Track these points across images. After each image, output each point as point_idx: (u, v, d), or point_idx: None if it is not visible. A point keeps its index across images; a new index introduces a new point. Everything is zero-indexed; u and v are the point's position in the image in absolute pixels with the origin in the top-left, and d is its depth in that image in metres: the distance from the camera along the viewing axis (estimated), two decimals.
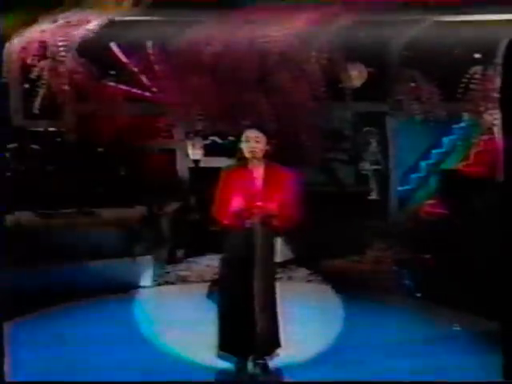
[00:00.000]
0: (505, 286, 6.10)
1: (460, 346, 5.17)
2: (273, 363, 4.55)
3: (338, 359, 4.80)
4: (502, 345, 2.94)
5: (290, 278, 7.37)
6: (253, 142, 4.50)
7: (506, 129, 3.40)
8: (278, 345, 4.61)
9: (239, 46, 8.13)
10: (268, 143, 4.56)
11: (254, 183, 4.51)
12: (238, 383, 4.37)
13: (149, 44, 8.71)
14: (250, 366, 4.43)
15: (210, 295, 5.21)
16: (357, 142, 10.47)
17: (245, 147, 4.52)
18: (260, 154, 4.52)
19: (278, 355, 4.60)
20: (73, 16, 8.37)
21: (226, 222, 4.50)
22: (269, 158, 4.60)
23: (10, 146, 8.97)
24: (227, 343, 4.57)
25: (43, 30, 8.35)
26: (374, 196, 10.38)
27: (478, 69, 9.03)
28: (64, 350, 5.09)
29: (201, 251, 7.84)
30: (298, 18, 8.13)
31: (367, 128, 10.42)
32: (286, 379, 4.37)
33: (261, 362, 4.47)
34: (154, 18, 8.30)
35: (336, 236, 8.25)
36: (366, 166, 10.46)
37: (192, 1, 7.60)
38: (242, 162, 4.58)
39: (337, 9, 8.10)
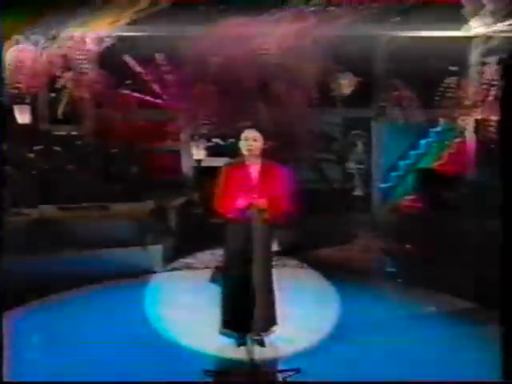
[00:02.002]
0: (478, 270, 6.12)
1: (436, 323, 5.22)
2: (269, 339, 4.54)
3: (328, 335, 4.81)
4: (501, 345, 2.78)
5: (285, 265, 7.28)
6: (251, 141, 4.45)
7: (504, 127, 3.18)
8: (274, 323, 4.61)
9: (239, 57, 8.08)
10: (265, 143, 4.50)
11: (251, 178, 4.45)
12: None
13: (159, 56, 8.64)
14: (249, 341, 4.36)
15: (213, 280, 5.15)
16: (344, 143, 10.44)
17: (243, 145, 4.47)
18: (257, 152, 4.48)
19: (274, 332, 4.60)
20: (89, 33, 8.37)
21: (226, 213, 4.44)
22: (265, 156, 4.54)
23: (37, 147, 8.93)
24: (229, 322, 4.55)
25: (62, 45, 8.33)
26: (359, 192, 10.35)
27: (452, 79, 8.97)
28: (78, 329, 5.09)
29: (204, 241, 7.74)
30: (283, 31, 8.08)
31: (354, 131, 10.39)
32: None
33: (258, 338, 4.46)
34: (163, 33, 8.24)
35: (326, 227, 8.28)
36: (352, 165, 10.44)
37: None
38: (241, 159, 4.51)
39: (313, 22, 8.05)
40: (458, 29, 8.59)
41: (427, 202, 8.90)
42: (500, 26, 8.33)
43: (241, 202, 4.31)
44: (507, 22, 8.11)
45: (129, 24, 8.18)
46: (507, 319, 2.86)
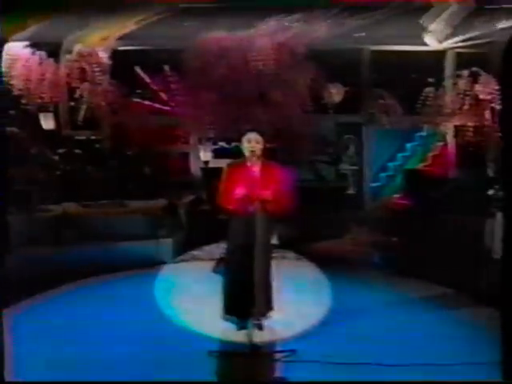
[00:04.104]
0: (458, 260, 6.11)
1: (419, 308, 5.26)
2: (267, 323, 4.52)
3: (321, 320, 4.80)
4: (501, 345, 2.72)
5: (284, 257, 7.22)
6: (253, 143, 4.43)
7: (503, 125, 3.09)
8: (271, 308, 4.60)
9: (240, 68, 8.07)
10: (265, 145, 4.47)
11: (253, 176, 4.42)
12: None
13: (166, 67, 8.63)
14: (249, 325, 4.33)
15: (215, 270, 5.13)
16: (338, 146, 10.41)
17: (246, 147, 4.45)
18: (259, 153, 4.46)
19: (270, 317, 4.58)
20: (102, 47, 8.38)
21: (228, 206, 4.42)
22: (265, 157, 4.51)
23: (60, 151, 8.94)
24: (231, 308, 4.55)
25: (78, 59, 8.34)
26: (351, 191, 10.32)
27: (430, 89, 8.95)
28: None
29: (211, 235, 7.73)
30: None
31: (347, 136, 10.37)
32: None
33: (257, 322, 4.42)
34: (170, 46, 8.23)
35: (321, 223, 8.22)
36: (345, 166, 10.41)
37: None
38: (242, 159, 4.49)
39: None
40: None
41: (414, 199, 8.85)
42: (457, 41, 8.45)
43: (240, 192, 4.29)
44: (462, 37, 8.20)
45: (121, 38, 8.23)
46: (507, 320, 2.75)
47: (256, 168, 4.46)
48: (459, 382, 3.50)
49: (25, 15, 6.27)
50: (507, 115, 2.92)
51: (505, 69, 2.74)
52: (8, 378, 2.95)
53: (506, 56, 2.72)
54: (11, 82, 7.99)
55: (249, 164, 4.46)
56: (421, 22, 7.46)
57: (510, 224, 2.72)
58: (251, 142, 4.41)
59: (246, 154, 4.45)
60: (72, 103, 8.77)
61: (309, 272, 6.58)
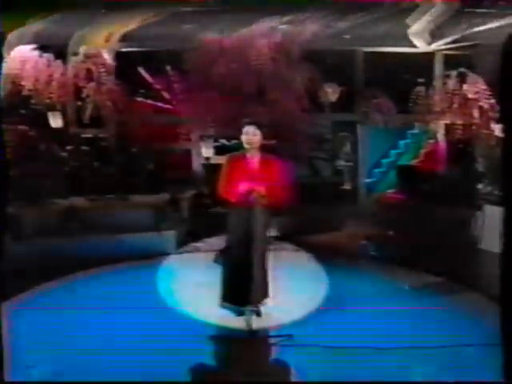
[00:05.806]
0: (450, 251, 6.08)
1: (412, 297, 5.23)
2: (265, 310, 4.51)
3: (318, 308, 4.81)
4: (502, 345, 2.70)
5: (283, 248, 7.20)
6: (251, 136, 4.42)
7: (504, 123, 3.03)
8: (267, 295, 4.59)
9: (239, 67, 8.03)
10: (263, 139, 4.45)
11: (251, 168, 4.43)
12: None
13: (168, 68, 8.58)
14: (247, 312, 4.33)
15: (215, 261, 5.12)
16: (334, 144, 10.40)
17: (244, 139, 4.44)
18: (256, 145, 4.46)
19: (266, 303, 4.58)
20: (106, 49, 8.40)
21: (228, 197, 4.41)
22: (264, 151, 4.48)
23: (68, 148, 8.92)
24: (228, 296, 4.54)
25: (84, 60, 8.30)
26: (347, 186, 10.30)
27: (421, 89, 8.94)
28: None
29: (212, 228, 7.70)
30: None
31: (343, 133, 10.35)
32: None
33: (256, 309, 4.41)
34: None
35: (318, 216, 8.21)
36: (341, 163, 10.40)
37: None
38: (242, 152, 4.47)
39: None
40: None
41: (407, 194, 8.83)
42: (444, 43, 8.43)
43: (242, 187, 4.27)
44: (450, 39, 8.17)
45: (124, 40, 8.19)
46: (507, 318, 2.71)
47: (254, 160, 4.45)
48: (459, 382, 3.43)
49: (24, 13, 6.21)
50: (506, 115, 2.87)
51: (503, 68, 2.69)
52: (8, 377, 2.87)
53: (504, 56, 2.67)
54: (21, 83, 7.97)
55: (248, 156, 4.45)
56: (407, 23, 7.41)
57: (510, 220, 2.66)
58: (249, 135, 4.41)
59: (245, 145, 4.45)
60: (79, 102, 8.71)
61: (306, 262, 6.58)
